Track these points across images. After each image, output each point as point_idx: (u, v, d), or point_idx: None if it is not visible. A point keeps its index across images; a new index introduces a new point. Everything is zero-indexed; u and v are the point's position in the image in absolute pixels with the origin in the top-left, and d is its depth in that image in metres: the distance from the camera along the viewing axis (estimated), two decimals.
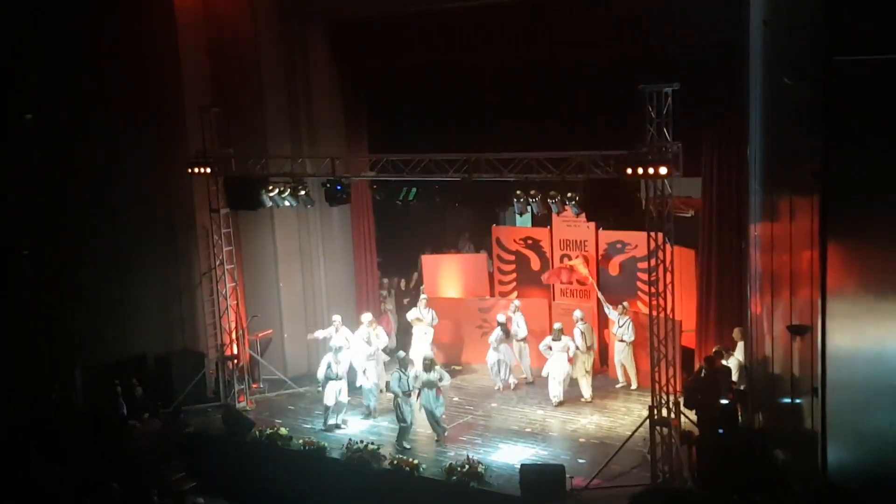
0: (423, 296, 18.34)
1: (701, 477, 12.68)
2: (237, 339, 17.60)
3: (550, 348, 16.14)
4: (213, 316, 18.02)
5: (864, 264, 10.10)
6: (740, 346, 14.64)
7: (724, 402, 13.53)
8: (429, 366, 14.90)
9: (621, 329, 16.41)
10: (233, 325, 17.55)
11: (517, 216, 16.62)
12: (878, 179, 9.82)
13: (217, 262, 17.43)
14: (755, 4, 12.66)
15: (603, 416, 15.71)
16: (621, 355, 16.65)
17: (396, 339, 18.80)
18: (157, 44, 17.38)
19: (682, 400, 13.61)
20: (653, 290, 13.14)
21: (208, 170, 16.60)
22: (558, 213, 15.00)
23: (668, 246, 13.06)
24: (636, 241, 16.60)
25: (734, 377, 14.24)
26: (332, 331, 16.50)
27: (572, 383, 16.31)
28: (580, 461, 13.96)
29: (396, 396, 14.79)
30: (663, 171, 12.41)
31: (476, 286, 19.35)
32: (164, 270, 17.96)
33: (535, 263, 18.58)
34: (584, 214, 14.27)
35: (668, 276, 13.14)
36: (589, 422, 15.52)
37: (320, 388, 15.98)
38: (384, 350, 17.09)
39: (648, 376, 13.76)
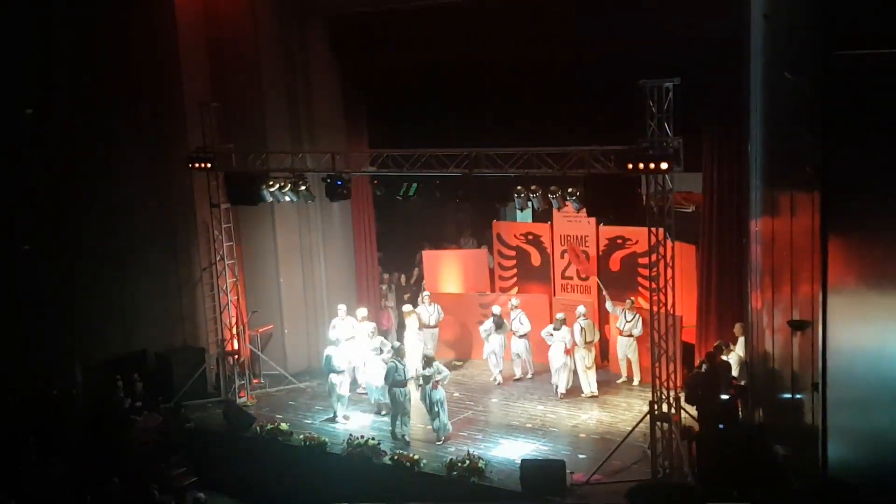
0: (425, 292, 18.34)
1: (701, 472, 12.68)
2: (238, 334, 17.60)
3: (552, 335, 16.21)
4: (214, 311, 18.02)
5: (864, 260, 10.07)
6: (741, 341, 14.63)
7: (724, 397, 13.56)
8: (427, 363, 14.88)
9: (629, 324, 16.40)
10: (233, 321, 17.55)
11: (518, 211, 16.65)
12: (879, 174, 9.79)
13: (217, 258, 17.44)
14: None
15: (603, 412, 15.71)
16: (627, 350, 16.65)
17: (397, 335, 18.78)
18: (158, 43, 17.40)
19: (682, 395, 13.61)
20: (653, 285, 13.14)
21: (209, 165, 16.59)
22: (559, 209, 15.03)
23: (668, 241, 13.05)
24: (637, 237, 16.58)
25: (735, 372, 14.23)
26: (338, 321, 16.54)
27: (576, 378, 16.32)
28: (581, 456, 13.97)
29: (391, 386, 14.80)
30: (664, 166, 12.42)
31: (477, 281, 19.34)
32: (164, 266, 17.97)
33: (536, 259, 18.57)
34: (584, 210, 14.26)
35: (669, 271, 13.13)
36: (589, 417, 15.53)
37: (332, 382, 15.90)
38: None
39: (649, 372, 13.77)
